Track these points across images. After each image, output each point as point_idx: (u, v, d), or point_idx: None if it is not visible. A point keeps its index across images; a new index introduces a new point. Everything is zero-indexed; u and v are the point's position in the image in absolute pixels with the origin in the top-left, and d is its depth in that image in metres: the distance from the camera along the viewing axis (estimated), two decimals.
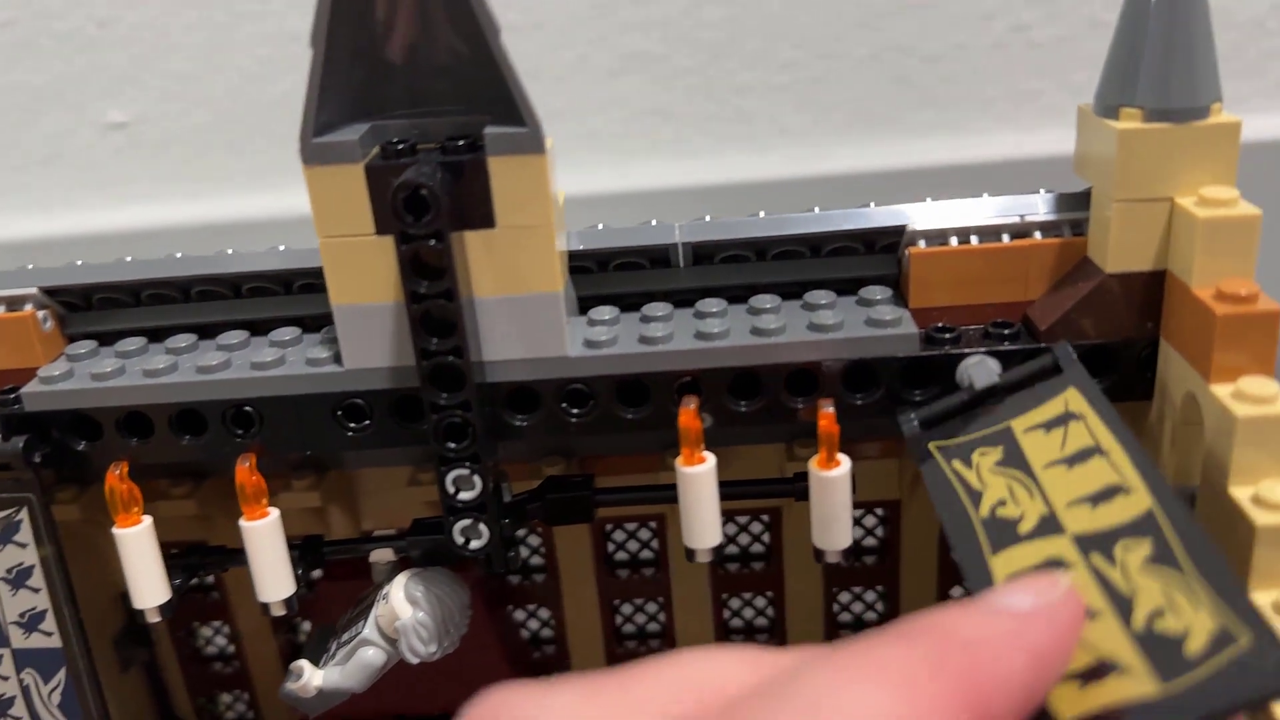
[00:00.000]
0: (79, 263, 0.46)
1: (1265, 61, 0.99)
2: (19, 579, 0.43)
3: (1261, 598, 0.34)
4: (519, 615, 0.64)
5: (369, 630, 0.45)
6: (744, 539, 0.61)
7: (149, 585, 0.43)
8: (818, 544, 0.40)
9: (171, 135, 1.09)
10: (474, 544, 0.41)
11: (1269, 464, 0.34)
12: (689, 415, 0.39)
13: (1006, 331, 0.40)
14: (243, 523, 0.41)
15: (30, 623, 0.44)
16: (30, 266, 0.46)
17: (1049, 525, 0.33)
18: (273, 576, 0.42)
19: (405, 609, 0.44)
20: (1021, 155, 1.05)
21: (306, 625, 0.65)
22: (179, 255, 0.44)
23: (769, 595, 0.62)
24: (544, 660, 0.64)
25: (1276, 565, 0.34)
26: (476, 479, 0.40)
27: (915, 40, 1.04)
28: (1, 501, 0.42)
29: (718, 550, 0.41)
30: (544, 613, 0.64)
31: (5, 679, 0.45)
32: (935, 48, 1.04)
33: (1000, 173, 1.02)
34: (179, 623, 0.64)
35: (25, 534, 0.43)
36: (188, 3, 1.04)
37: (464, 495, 0.40)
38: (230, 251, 0.44)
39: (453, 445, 0.40)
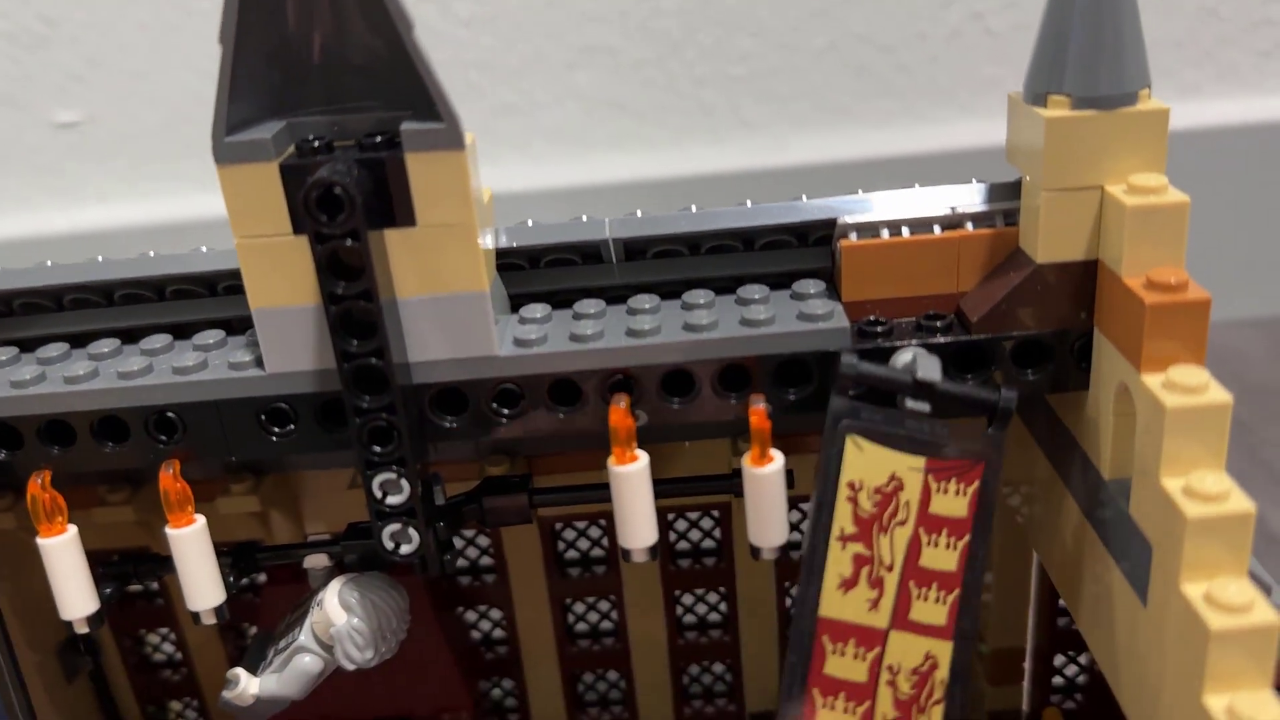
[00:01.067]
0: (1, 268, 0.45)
1: (1217, 48, 0.99)
2: None
3: (1192, 590, 0.33)
4: (470, 616, 0.63)
5: (305, 637, 0.44)
6: (695, 535, 0.61)
7: (76, 596, 0.42)
8: (754, 541, 0.40)
9: (123, 135, 1.08)
10: (404, 549, 0.41)
11: (1200, 454, 0.34)
12: (619, 414, 0.38)
13: (939, 324, 0.40)
14: (168, 530, 0.41)
15: None
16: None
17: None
18: (202, 584, 0.41)
19: (339, 615, 0.43)
20: (982, 144, 1.05)
21: (254, 630, 0.64)
22: (100, 259, 0.43)
23: (721, 591, 0.62)
24: (497, 661, 0.63)
25: (1206, 556, 0.33)
26: (404, 483, 0.39)
27: (873, 30, 1.03)
28: None
29: (653, 550, 0.41)
30: (495, 613, 0.63)
31: None
32: (893, 37, 1.04)
33: (960, 162, 1.01)
34: (125, 630, 0.63)
35: None
36: (138, 1, 1.03)
37: (392, 500, 0.40)
38: (152, 254, 0.43)
39: (378, 449, 0.39)
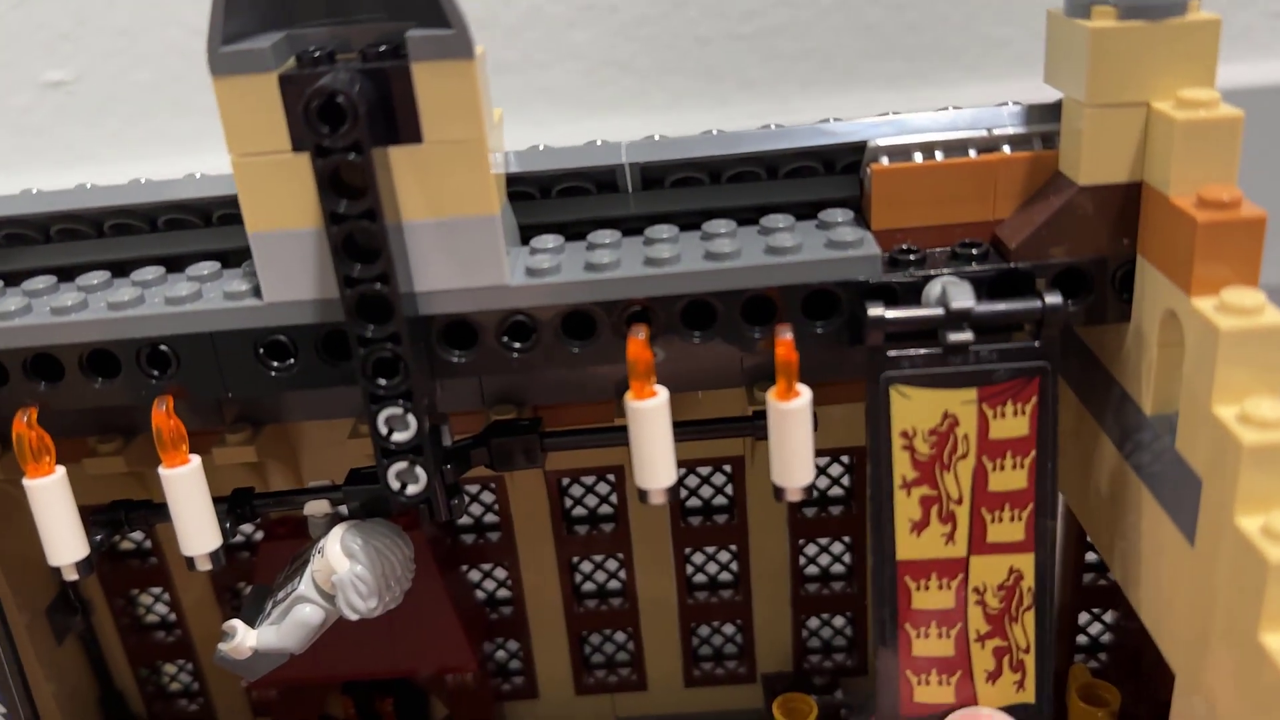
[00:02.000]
0: None
1: (1230, 10, 0.97)
2: None
3: (1247, 523, 0.32)
4: (474, 576, 0.61)
5: (305, 587, 0.42)
6: (706, 491, 0.59)
7: (64, 540, 0.40)
8: (777, 481, 0.38)
9: (113, 94, 1.05)
10: (410, 489, 0.39)
11: (1255, 379, 0.32)
12: (638, 345, 0.36)
13: (975, 251, 0.38)
14: (161, 470, 0.39)
15: None
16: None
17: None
18: (196, 528, 0.39)
19: (342, 563, 0.41)
20: (989, 105, 1.03)
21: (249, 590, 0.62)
22: (88, 185, 0.41)
23: (732, 549, 0.60)
24: (502, 621, 0.62)
25: (1263, 487, 0.31)
26: (411, 418, 0.37)
27: None
28: None
29: (672, 491, 0.39)
30: (500, 572, 0.61)
31: None
32: None
33: None
34: (117, 590, 0.61)
35: None
36: None
37: (398, 436, 0.38)
38: (144, 180, 0.41)
39: (383, 382, 0.37)
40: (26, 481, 0.39)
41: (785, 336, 0.36)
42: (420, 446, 0.38)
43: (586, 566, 0.61)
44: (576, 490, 0.59)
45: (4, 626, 0.43)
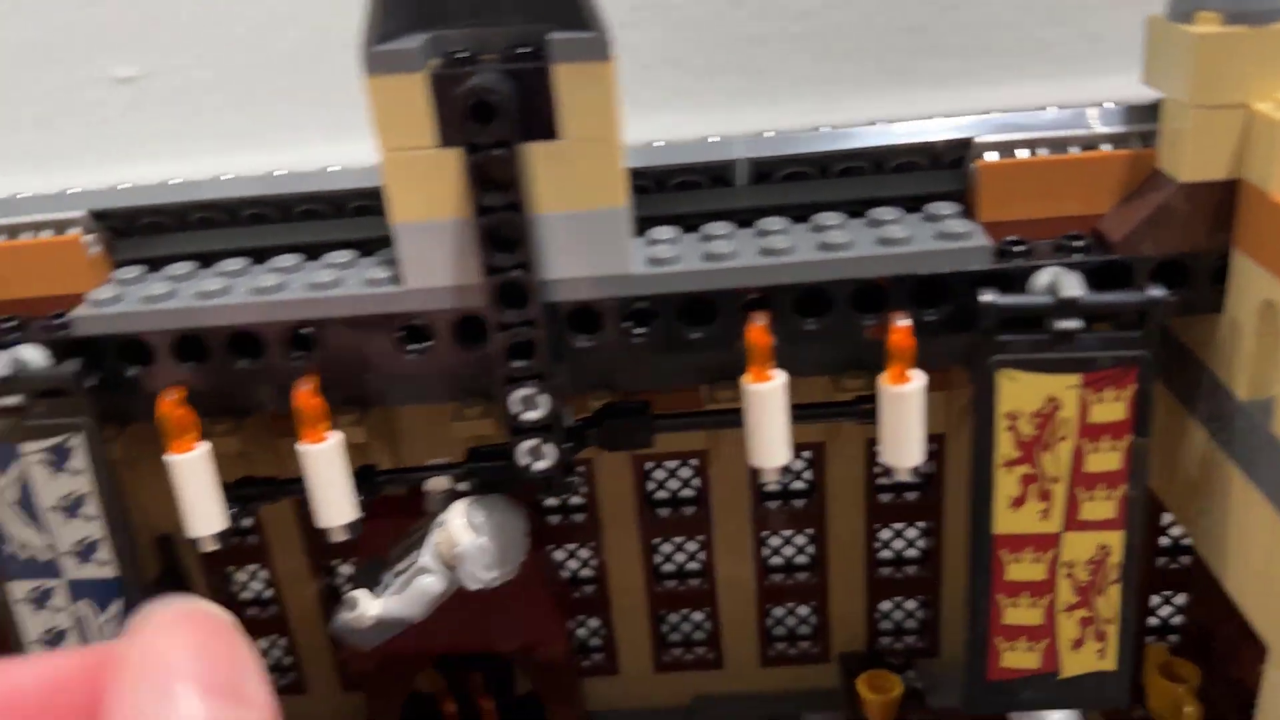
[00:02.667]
0: (125, 185, 0.45)
1: None
2: (72, 508, 0.43)
3: None
4: (558, 555, 0.63)
5: (427, 558, 0.45)
6: (785, 476, 0.61)
7: (205, 512, 0.42)
8: (890, 462, 0.40)
9: (179, 90, 1.07)
10: (539, 465, 0.41)
11: None
12: (758, 331, 0.38)
13: (1078, 244, 0.39)
14: (300, 446, 0.41)
15: (85, 552, 0.43)
16: (76, 189, 0.45)
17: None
18: (335, 501, 0.41)
19: (465, 535, 0.43)
20: (1035, 106, 1.04)
21: (345, 569, 0.64)
22: (227, 176, 0.44)
23: (810, 533, 0.62)
24: (584, 600, 0.64)
25: None
26: (543, 399, 0.39)
27: None
28: (54, 428, 0.42)
29: (785, 470, 0.41)
30: (584, 553, 0.63)
31: (60, 610, 0.44)
32: None
33: None
34: (214, 567, 0.63)
35: (78, 461, 0.42)
36: None
37: (529, 415, 0.40)
38: (280, 172, 0.43)
39: (518, 364, 0.39)
40: (171, 457, 0.41)
41: (902, 323, 0.38)
42: (550, 425, 0.40)
43: (667, 548, 0.63)
44: (660, 474, 0.61)
45: (142, 588, 0.45)
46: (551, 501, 0.62)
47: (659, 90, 1.08)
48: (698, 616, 0.65)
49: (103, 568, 0.44)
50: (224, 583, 0.64)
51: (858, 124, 0.42)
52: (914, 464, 0.40)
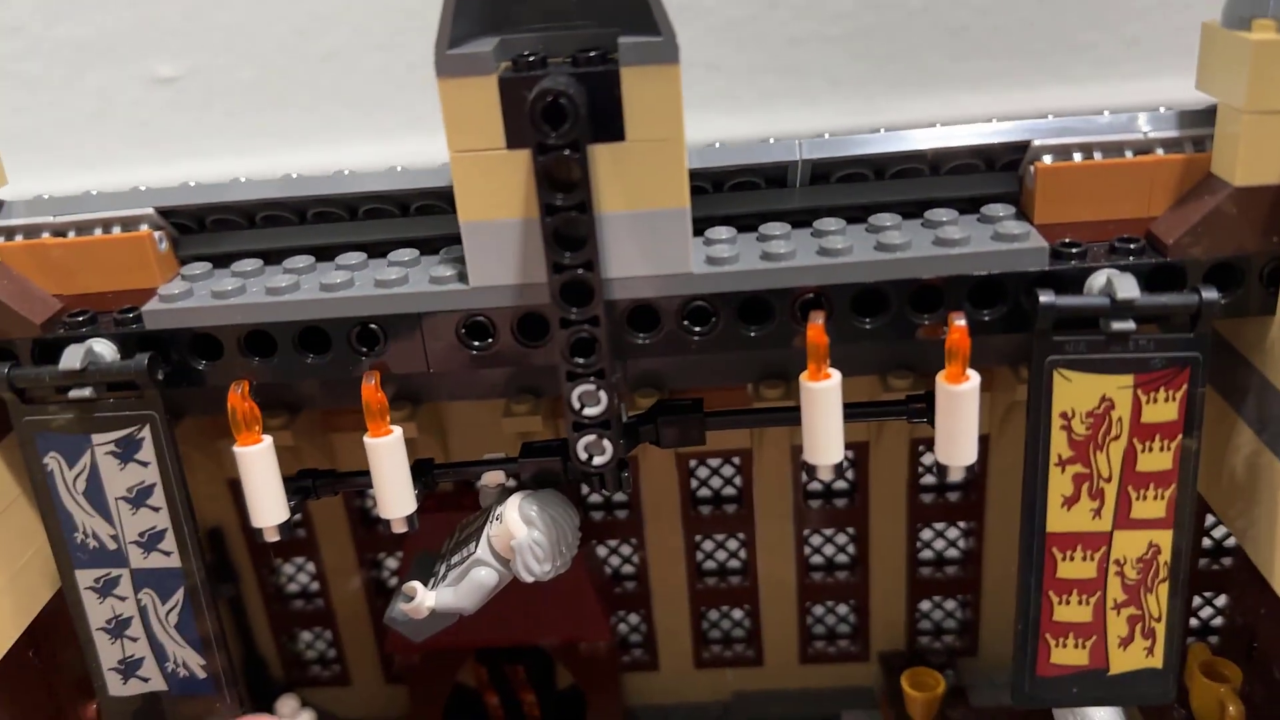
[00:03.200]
0: (192, 183, 0.46)
1: None
2: (139, 498, 0.44)
3: None
4: (600, 551, 0.64)
5: (482, 551, 0.45)
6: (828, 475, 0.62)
7: (269, 504, 0.43)
8: (944, 460, 0.40)
9: (219, 90, 1.09)
10: (597, 460, 0.42)
11: None
12: (817, 330, 0.39)
13: (1132, 246, 0.40)
14: (367, 439, 0.42)
15: (149, 542, 0.44)
16: (143, 187, 0.46)
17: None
18: (396, 493, 0.42)
19: (520, 528, 0.44)
20: (1071, 109, 1.04)
21: (390, 563, 0.65)
22: (294, 175, 0.45)
23: (851, 532, 0.63)
24: (625, 596, 0.65)
25: None
26: (602, 394, 0.40)
27: None
28: (124, 420, 0.43)
29: (838, 468, 0.41)
30: (625, 549, 0.64)
31: (123, 599, 0.45)
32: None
33: None
34: (262, 560, 0.64)
35: (147, 452, 0.43)
36: None
37: (589, 411, 0.41)
38: (347, 172, 0.44)
39: (580, 360, 0.40)
40: (238, 449, 0.42)
41: (959, 323, 0.38)
42: (609, 421, 0.41)
43: (708, 545, 0.64)
44: (702, 472, 0.62)
45: (205, 577, 0.46)
46: (595, 498, 0.63)
47: (697, 91, 1.08)
48: (737, 614, 0.66)
49: (166, 558, 0.45)
50: (272, 575, 0.66)
51: (918, 125, 0.43)
52: (968, 462, 0.40)
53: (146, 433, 0.43)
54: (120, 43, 1.09)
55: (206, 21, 1.09)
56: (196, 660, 0.46)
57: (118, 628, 0.46)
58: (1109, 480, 0.41)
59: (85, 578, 0.46)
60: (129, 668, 0.47)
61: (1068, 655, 0.43)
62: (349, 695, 0.67)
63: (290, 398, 0.56)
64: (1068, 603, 0.42)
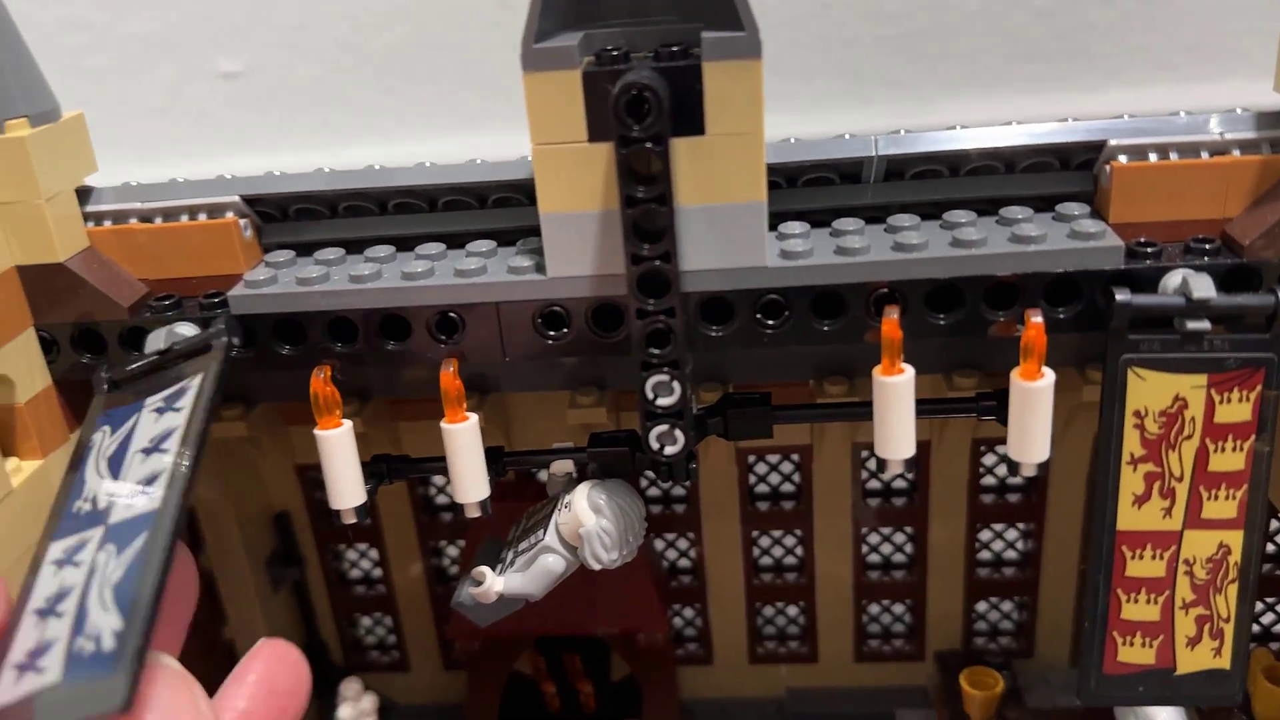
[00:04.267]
0: (276, 172, 0.47)
1: None
2: (156, 443, 0.36)
3: None
4: (657, 544, 0.65)
5: (550, 538, 0.46)
6: (887, 474, 0.62)
7: (348, 487, 0.44)
8: (1016, 457, 0.41)
9: (281, 86, 1.11)
10: (669, 450, 0.42)
11: None
12: (892, 325, 0.39)
13: (1208, 247, 0.40)
14: (444, 425, 0.43)
15: (140, 486, 0.36)
16: (229, 175, 0.47)
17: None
18: (472, 478, 0.43)
19: (589, 516, 0.45)
20: (1130, 112, 1.03)
21: (451, 550, 0.66)
22: (376, 166, 0.46)
23: (908, 531, 0.63)
24: (681, 590, 0.65)
25: None
26: (676, 385, 0.41)
27: None
28: (180, 375, 0.40)
29: (910, 463, 0.42)
30: (682, 543, 0.65)
31: (78, 566, 0.35)
32: (1047, 1, 1.03)
33: None
34: (326, 545, 0.66)
35: (186, 400, 0.38)
36: None
37: (662, 401, 0.41)
38: (429, 164, 0.45)
39: (655, 351, 0.40)
40: (319, 432, 0.43)
41: (1036, 320, 0.39)
42: (682, 411, 0.41)
43: (765, 541, 0.64)
44: (761, 468, 0.62)
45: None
46: (653, 491, 0.63)
47: None
48: (792, 610, 0.66)
49: (149, 499, 0.35)
50: (335, 560, 0.67)
51: (991, 127, 0.43)
52: (1041, 459, 0.41)
53: (195, 383, 0.40)
54: (185, 39, 1.11)
55: (269, 19, 1.11)
56: (113, 627, 0.33)
57: (51, 602, 0.34)
58: (1180, 479, 0.41)
59: (55, 550, 0.36)
60: (31, 657, 0.33)
61: (1135, 654, 0.43)
62: (408, 681, 0.68)
63: (360, 386, 0.57)
64: (1136, 601, 0.42)
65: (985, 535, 0.62)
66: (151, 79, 1.10)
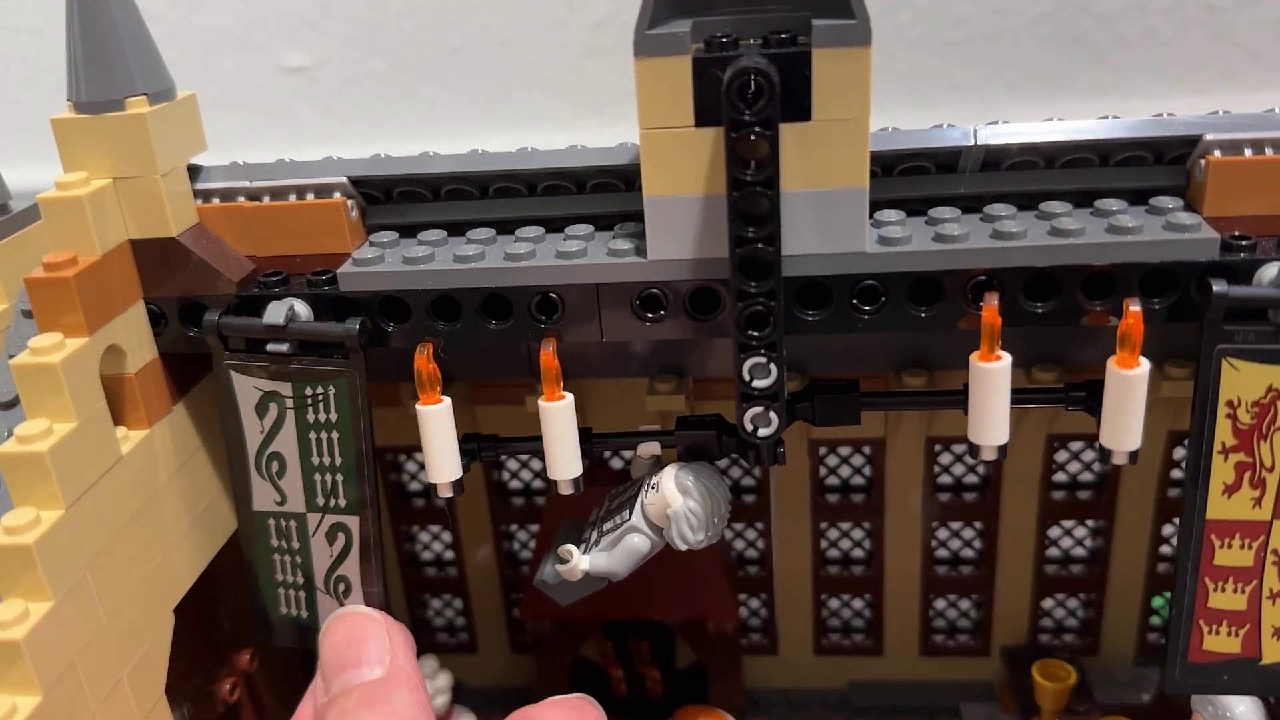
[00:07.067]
0: (381, 155, 0.48)
1: None
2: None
3: None
4: (725, 534, 0.65)
5: (636, 518, 0.47)
6: (958, 469, 0.62)
7: (445, 462, 0.45)
8: (1106, 444, 0.41)
9: (347, 80, 1.12)
10: (763, 431, 0.43)
11: None
12: (992, 311, 0.40)
13: None
14: (542, 403, 0.44)
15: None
16: (335, 157, 0.48)
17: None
18: (566, 456, 0.44)
19: (676, 497, 0.45)
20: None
21: (521, 535, 0.67)
22: (479, 150, 0.47)
23: (978, 527, 0.63)
24: (748, 580, 0.66)
25: None
26: (773, 368, 0.42)
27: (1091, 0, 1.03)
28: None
29: (1003, 449, 0.42)
30: (750, 533, 0.65)
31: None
32: (1111, 8, 1.03)
33: None
34: (400, 528, 0.67)
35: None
36: None
37: (759, 383, 0.42)
38: (530, 149, 0.46)
39: (754, 333, 0.41)
40: (420, 408, 0.44)
41: (1135, 308, 0.39)
42: (777, 393, 0.42)
43: (833, 533, 0.65)
44: (832, 460, 0.63)
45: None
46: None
47: None
48: (858, 604, 0.66)
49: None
50: (409, 543, 0.68)
51: (1088, 120, 0.43)
52: (1134, 448, 0.41)
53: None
54: (253, 32, 1.13)
55: (337, 14, 1.13)
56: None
57: (292, 588, 0.49)
58: (1271, 470, 0.41)
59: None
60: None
61: (1220, 643, 0.43)
62: (475, 662, 0.69)
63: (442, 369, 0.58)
64: (1223, 590, 0.43)
65: (1054, 532, 0.62)
66: (218, 71, 1.12)
